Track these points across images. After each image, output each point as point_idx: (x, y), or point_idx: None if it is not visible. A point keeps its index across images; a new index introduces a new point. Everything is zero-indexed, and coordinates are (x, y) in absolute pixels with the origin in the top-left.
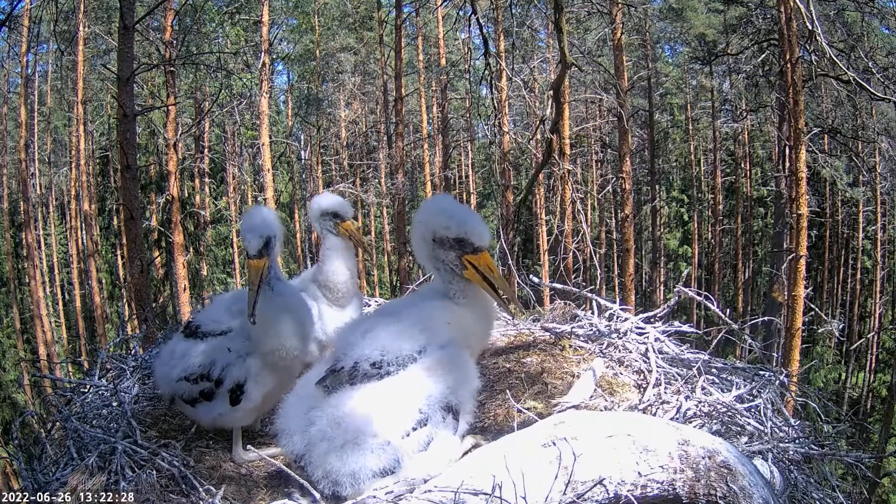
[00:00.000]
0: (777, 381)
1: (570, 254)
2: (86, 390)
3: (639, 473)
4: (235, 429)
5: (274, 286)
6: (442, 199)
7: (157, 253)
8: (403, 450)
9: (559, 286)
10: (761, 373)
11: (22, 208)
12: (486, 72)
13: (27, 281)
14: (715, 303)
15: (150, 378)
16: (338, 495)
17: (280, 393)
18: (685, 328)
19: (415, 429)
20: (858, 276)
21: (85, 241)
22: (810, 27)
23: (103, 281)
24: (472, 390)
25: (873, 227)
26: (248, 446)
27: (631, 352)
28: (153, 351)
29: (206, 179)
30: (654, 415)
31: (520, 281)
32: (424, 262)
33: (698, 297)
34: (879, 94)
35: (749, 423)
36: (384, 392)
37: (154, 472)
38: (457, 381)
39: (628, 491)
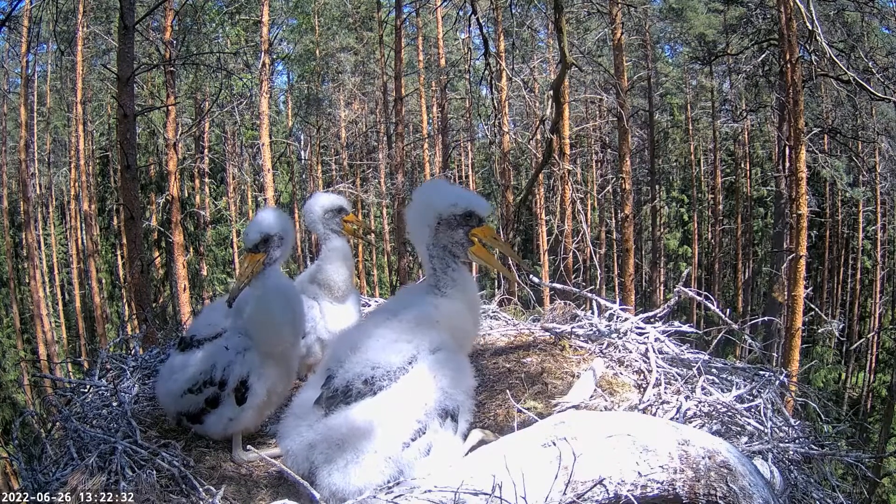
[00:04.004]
0: (777, 381)
1: (570, 254)
2: (86, 390)
3: (639, 473)
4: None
5: (271, 281)
6: (437, 183)
7: (157, 253)
8: (405, 460)
9: (559, 286)
10: (761, 373)
11: (22, 208)
12: (486, 72)
13: (27, 281)
14: (715, 303)
15: (150, 378)
16: None
17: (281, 389)
18: (685, 328)
19: (414, 438)
20: (858, 276)
21: (85, 241)
22: (810, 27)
23: (103, 281)
24: (469, 389)
25: (873, 227)
26: (248, 446)
27: (631, 352)
28: (153, 351)
29: (206, 179)
30: (654, 415)
31: (520, 281)
32: (422, 251)
33: (698, 297)
34: (879, 94)
35: (749, 423)
36: (379, 407)
37: (154, 472)
38: (452, 384)
39: (628, 491)
